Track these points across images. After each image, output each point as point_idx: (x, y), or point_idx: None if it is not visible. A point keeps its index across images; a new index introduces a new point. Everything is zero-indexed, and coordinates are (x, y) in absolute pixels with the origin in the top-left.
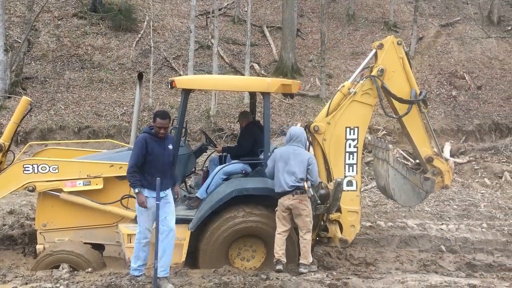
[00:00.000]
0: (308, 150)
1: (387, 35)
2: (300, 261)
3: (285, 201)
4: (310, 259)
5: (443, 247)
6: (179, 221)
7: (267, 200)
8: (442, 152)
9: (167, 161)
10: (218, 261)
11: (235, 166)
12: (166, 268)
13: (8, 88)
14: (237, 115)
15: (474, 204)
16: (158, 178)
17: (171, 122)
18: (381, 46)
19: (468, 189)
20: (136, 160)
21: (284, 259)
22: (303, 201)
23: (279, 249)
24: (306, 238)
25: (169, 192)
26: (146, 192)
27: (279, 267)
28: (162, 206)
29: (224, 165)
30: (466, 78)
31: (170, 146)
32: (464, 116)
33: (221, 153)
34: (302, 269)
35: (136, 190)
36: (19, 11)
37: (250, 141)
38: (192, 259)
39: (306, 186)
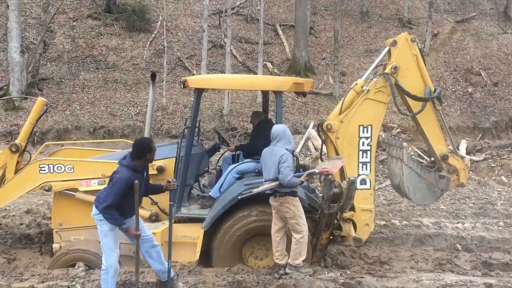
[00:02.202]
0: (321, 148)
1: (402, 32)
2: (288, 261)
3: (271, 202)
4: (298, 261)
5: (459, 246)
6: (193, 220)
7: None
8: (458, 149)
9: (144, 190)
10: (232, 260)
11: (248, 165)
12: (164, 273)
13: (25, 89)
14: (250, 115)
15: (490, 202)
16: (172, 178)
17: None
18: (394, 43)
19: (485, 187)
20: (116, 198)
21: (282, 261)
22: (284, 204)
23: (275, 251)
24: (296, 238)
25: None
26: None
27: (281, 271)
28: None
29: (237, 164)
30: (482, 75)
31: (145, 172)
32: (480, 113)
33: (234, 152)
34: (287, 269)
35: (125, 226)
36: (35, 12)
37: (263, 137)
38: (206, 258)
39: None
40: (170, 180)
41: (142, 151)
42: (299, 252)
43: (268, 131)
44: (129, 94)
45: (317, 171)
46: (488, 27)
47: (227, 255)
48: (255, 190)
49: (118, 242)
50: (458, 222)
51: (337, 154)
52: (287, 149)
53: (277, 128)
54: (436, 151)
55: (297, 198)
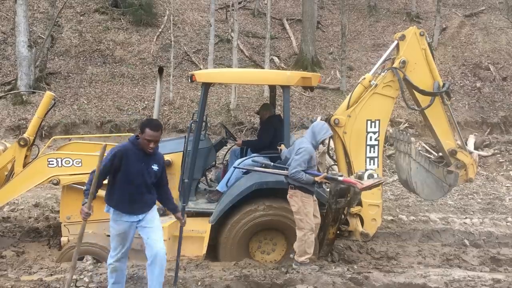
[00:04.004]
0: (328, 143)
1: (409, 26)
2: (294, 257)
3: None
4: (303, 259)
5: (466, 241)
6: (200, 214)
7: (287, 193)
8: (466, 144)
9: (148, 183)
10: (239, 254)
11: (255, 159)
12: None
13: (33, 84)
14: (259, 107)
15: (498, 197)
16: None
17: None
18: (403, 37)
19: (493, 183)
20: (103, 168)
21: (291, 255)
22: (292, 197)
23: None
24: (298, 236)
25: (146, 215)
26: (114, 215)
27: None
28: (140, 230)
29: (244, 158)
30: (491, 69)
31: (155, 167)
32: (488, 108)
33: (241, 147)
34: (293, 265)
35: (84, 202)
36: (42, 7)
37: (271, 133)
38: (213, 252)
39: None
40: (183, 221)
41: (140, 127)
42: (303, 249)
43: (276, 126)
44: (136, 89)
45: (340, 179)
46: (497, 21)
47: (234, 249)
48: (256, 168)
49: (123, 246)
50: (466, 218)
51: (345, 149)
52: (312, 144)
53: (316, 125)
54: (445, 146)
55: (309, 195)
